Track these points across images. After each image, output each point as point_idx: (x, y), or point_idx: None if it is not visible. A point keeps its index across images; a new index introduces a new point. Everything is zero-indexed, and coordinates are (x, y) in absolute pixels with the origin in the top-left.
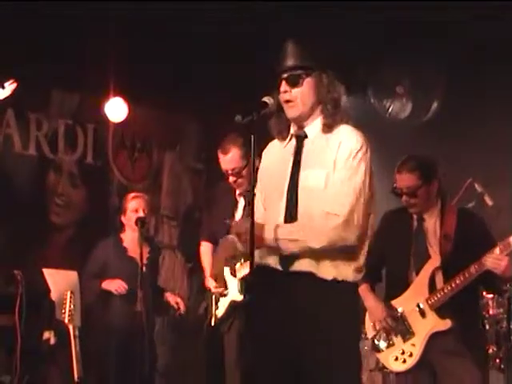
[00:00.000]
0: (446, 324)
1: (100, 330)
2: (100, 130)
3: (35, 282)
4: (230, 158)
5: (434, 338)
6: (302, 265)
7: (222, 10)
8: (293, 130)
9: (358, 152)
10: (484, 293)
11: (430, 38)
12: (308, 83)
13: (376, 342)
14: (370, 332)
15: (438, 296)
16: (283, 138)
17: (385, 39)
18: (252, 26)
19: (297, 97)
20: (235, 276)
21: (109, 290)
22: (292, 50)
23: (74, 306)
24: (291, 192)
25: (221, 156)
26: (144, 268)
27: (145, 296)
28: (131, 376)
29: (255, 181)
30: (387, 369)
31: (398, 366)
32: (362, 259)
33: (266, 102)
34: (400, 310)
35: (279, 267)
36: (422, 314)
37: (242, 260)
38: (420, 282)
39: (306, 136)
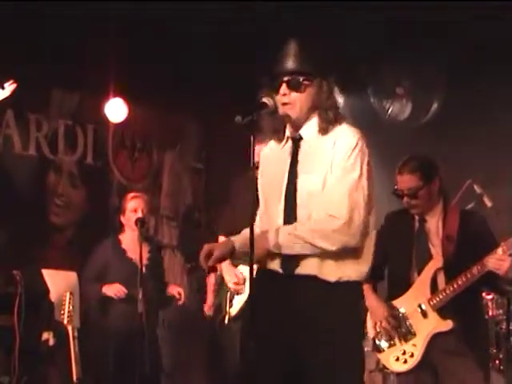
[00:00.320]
0: (447, 325)
1: (100, 331)
2: (100, 130)
3: (34, 283)
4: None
5: (436, 338)
6: (305, 267)
7: (221, 10)
8: (288, 131)
9: (353, 149)
10: (484, 294)
11: (430, 38)
12: (309, 89)
13: (377, 342)
14: (370, 332)
15: (440, 297)
16: (279, 140)
17: (385, 40)
18: (252, 26)
19: (296, 101)
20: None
21: (109, 295)
22: (294, 53)
23: (73, 306)
24: (290, 195)
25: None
26: (144, 268)
27: (145, 297)
28: (131, 377)
29: (256, 182)
30: (388, 369)
31: (398, 367)
32: (366, 257)
33: (265, 103)
34: (402, 310)
35: (280, 270)
36: (424, 314)
37: None
38: (422, 282)
39: (301, 138)
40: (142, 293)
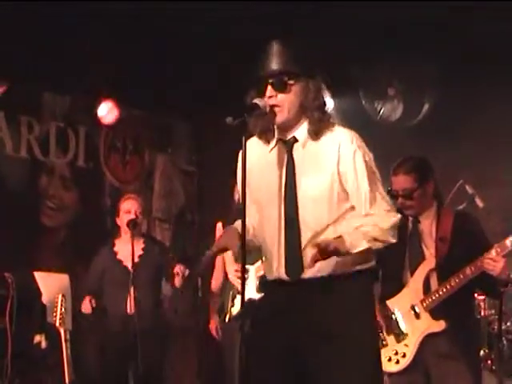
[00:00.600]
0: (440, 325)
1: (92, 333)
2: (92, 132)
3: (26, 285)
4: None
5: (428, 339)
6: (312, 270)
7: (212, 10)
8: (278, 134)
9: (359, 151)
10: (476, 294)
11: (421, 38)
12: (294, 90)
13: None
14: None
15: (433, 298)
16: (267, 141)
17: (376, 40)
18: (242, 28)
19: (283, 102)
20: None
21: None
22: (277, 53)
23: (65, 309)
24: (290, 198)
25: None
26: (137, 267)
27: (136, 298)
28: (124, 380)
29: (245, 183)
30: None
31: (390, 367)
32: None
33: (257, 104)
34: (394, 310)
35: (285, 277)
36: (416, 315)
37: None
38: (415, 283)
39: (295, 140)
40: (132, 294)
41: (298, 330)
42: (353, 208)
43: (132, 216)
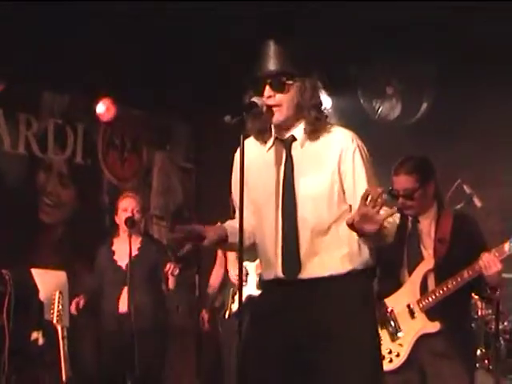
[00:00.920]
0: (435, 326)
1: (89, 331)
2: (90, 129)
3: (24, 282)
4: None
5: (423, 339)
6: (310, 270)
7: (210, 10)
8: (276, 133)
9: (358, 150)
10: (473, 294)
11: (419, 38)
12: (292, 89)
13: None
14: None
15: (430, 300)
16: (263, 141)
17: (374, 39)
18: (239, 27)
19: (282, 102)
20: None
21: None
22: (274, 53)
23: (62, 306)
24: (288, 198)
25: None
26: (132, 267)
27: (130, 297)
28: (121, 377)
29: (243, 182)
30: None
31: (384, 366)
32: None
33: (255, 102)
34: (390, 309)
35: (282, 276)
36: (412, 314)
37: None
38: (412, 283)
39: (294, 139)
40: (127, 294)
41: (296, 329)
42: (351, 208)
43: (129, 214)
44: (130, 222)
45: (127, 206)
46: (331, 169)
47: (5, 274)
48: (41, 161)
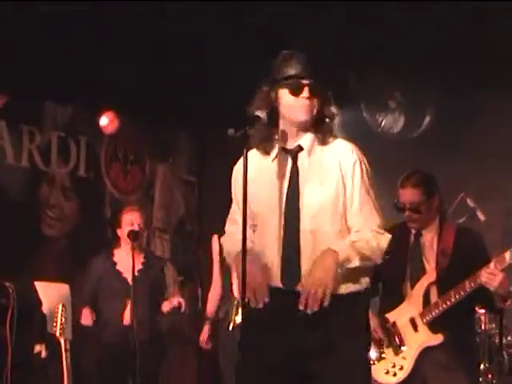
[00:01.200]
0: (437, 338)
1: (91, 344)
2: (93, 142)
3: (27, 295)
4: None
5: (426, 352)
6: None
7: (213, 22)
8: (281, 143)
9: (360, 164)
10: (477, 308)
11: (423, 51)
12: (319, 95)
13: None
14: None
15: (432, 312)
16: (266, 152)
17: (376, 52)
18: (242, 40)
19: (313, 105)
20: None
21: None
22: (305, 60)
23: (65, 319)
24: (292, 208)
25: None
26: (136, 281)
27: (134, 310)
28: None
29: (246, 196)
30: (378, 382)
31: (388, 379)
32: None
33: (258, 116)
34: (393, 322)
35: (280, 286)
36: (415, 327)
37: None
38: (415, 296)
39: (300, 149)
40: (130, 306)
41: (294, 339)
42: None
43: (133, 227)
44: (133, 235)
45: (132, 220)
46: (335, 181)
47: (8, 287)
48: (44, 173)
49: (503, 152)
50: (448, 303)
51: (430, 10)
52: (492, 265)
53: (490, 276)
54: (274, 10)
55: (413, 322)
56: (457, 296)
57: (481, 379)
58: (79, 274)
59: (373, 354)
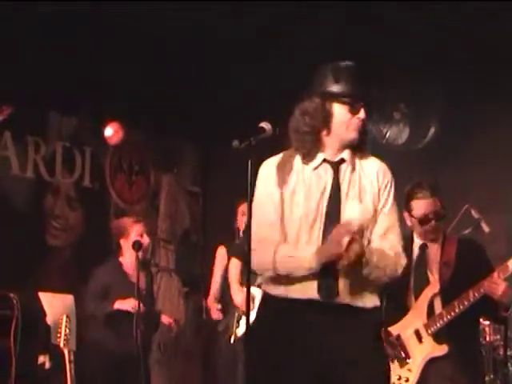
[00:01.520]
0: (442, 349)
1: (96, 352)
2: (98, 153)
3: (31, 306)
4: None
5: (432, 363)
6: (344, 295)
7: (214, 30)
8: (326, 155)
9: (392, 184)
10: (481, 319)
11: (428, 61)
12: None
13: None
14: None
15: (436, 323)
16: (308, 161)
17: (381, 64)
18: (249, 52)
19: (365, 124)
20: None
21: (125, 310)
22: (355, 75)
23: (69, 330)
24: (331, 222)
25: None
26: (143, 291)
27: (140, 319)
28: None
29: (251, 206)
30: None
31: None
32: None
33: (263, 128)
34: (397, 335)
35: (318, 297)
36: (420, 339)
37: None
38: (419, 307)
39: (342, 161)
40: (137, 314)
41: (321, 352)
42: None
43: (137, 238)
44: (138, 245)
45: (137, 231)
46: (372, 198)
47: (12, 298)
48: (49, 184)
49: (508, 163)
50: (452, 314)
51: (430, 10)
52: (495, 274)
53: (493, 285)
54: (274, 10)
55: (417, 333)
56: (461, 306)
57: None
58: (84, 285)
59: None
